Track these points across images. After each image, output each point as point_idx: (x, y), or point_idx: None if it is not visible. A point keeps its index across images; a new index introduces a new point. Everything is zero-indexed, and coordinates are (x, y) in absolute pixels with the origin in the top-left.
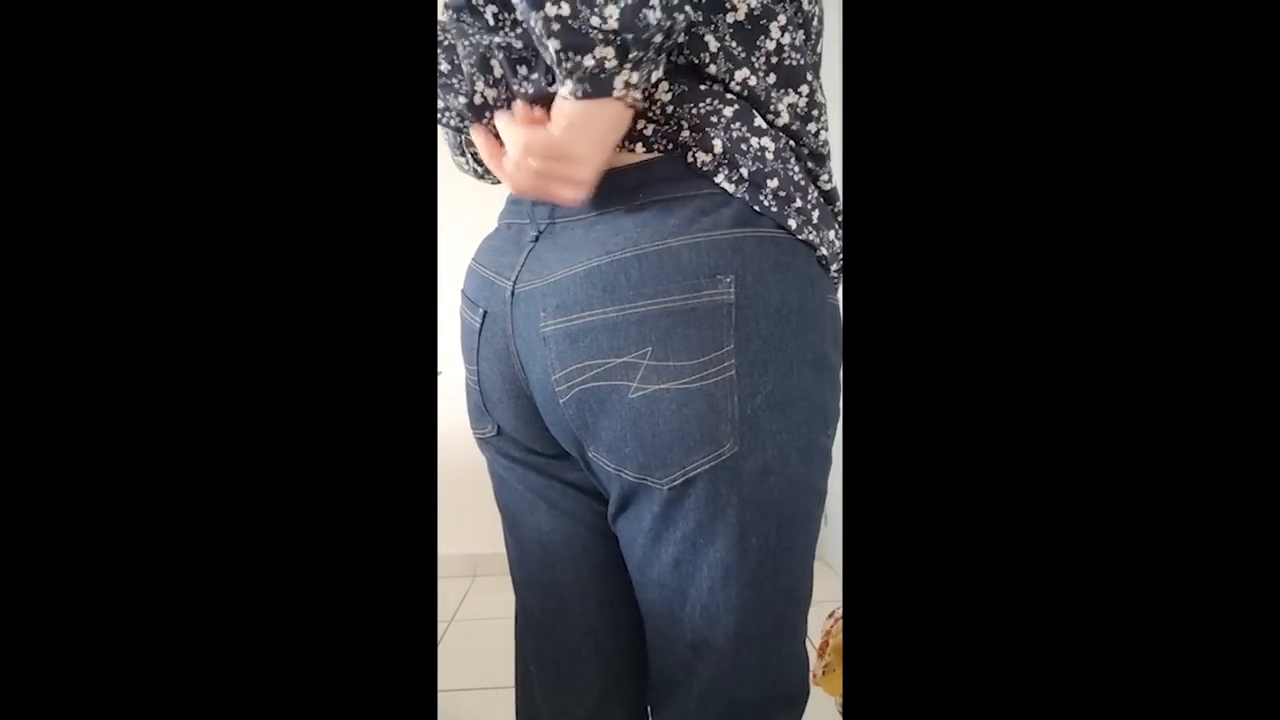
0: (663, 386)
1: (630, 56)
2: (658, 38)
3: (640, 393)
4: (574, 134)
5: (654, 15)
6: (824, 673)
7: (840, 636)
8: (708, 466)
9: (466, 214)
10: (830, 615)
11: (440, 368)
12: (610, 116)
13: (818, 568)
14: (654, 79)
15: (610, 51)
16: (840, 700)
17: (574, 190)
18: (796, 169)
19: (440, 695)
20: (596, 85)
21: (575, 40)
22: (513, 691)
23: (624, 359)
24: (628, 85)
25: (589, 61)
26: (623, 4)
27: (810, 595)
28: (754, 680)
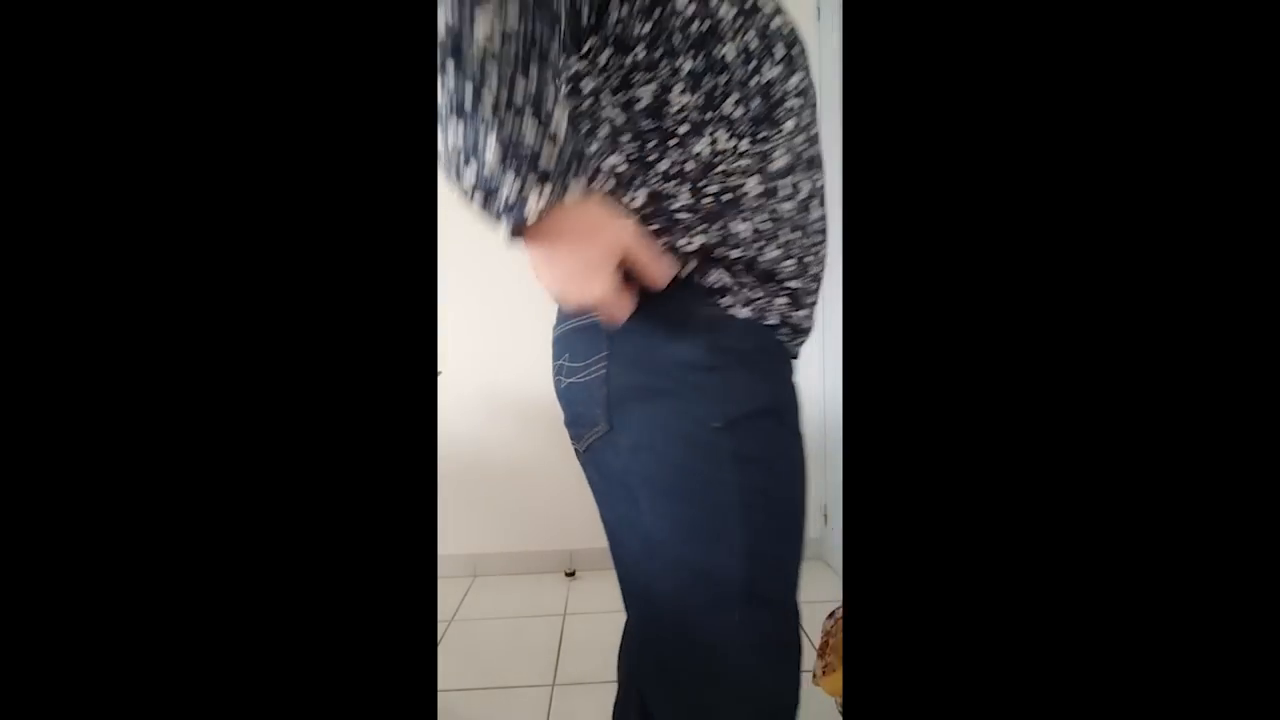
0: (572, 380)
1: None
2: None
3: (564, 384)
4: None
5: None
6: (824, 673)
7: (840, 636)
8: (597, 438)
9: (466, 214)
10: (830, 615)
11: (440, 368)
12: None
13: (818, 568)
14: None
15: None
16: (840, 700)
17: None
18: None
19: (440, 695)
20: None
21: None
22: (512, 692)
23: (560, 361)
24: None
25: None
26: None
27: (726, 541)
28: (665, 605)
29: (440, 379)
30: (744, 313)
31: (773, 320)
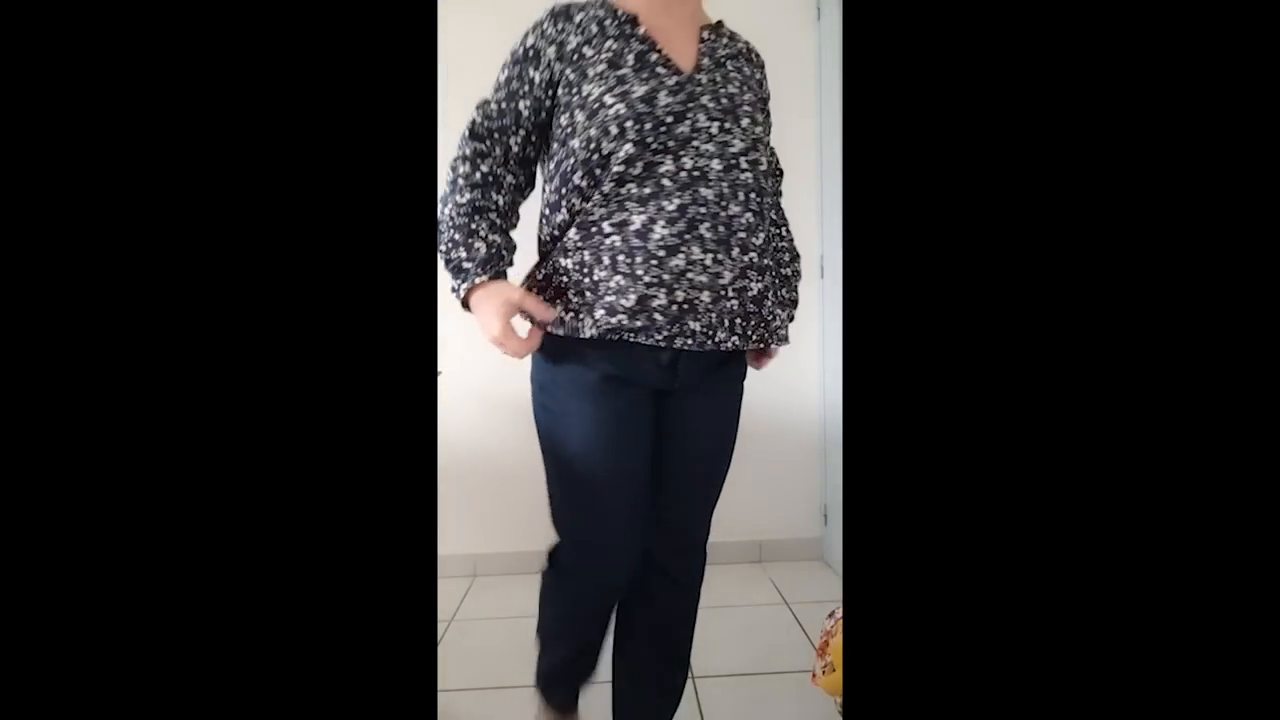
0: None
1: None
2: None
3: None
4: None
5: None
6: (824, 673)
7: (840, 636)
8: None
9: None
10: (830, 615)
11: (440, 368)
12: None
13: (818, 568)
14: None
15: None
16: (840, 700)
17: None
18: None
19: (440, 695)
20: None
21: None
22: (512, 692)
23: None
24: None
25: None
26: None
27: (581, 486)
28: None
29: (440, 379)
30: (559, 330)
31: (589, 333)
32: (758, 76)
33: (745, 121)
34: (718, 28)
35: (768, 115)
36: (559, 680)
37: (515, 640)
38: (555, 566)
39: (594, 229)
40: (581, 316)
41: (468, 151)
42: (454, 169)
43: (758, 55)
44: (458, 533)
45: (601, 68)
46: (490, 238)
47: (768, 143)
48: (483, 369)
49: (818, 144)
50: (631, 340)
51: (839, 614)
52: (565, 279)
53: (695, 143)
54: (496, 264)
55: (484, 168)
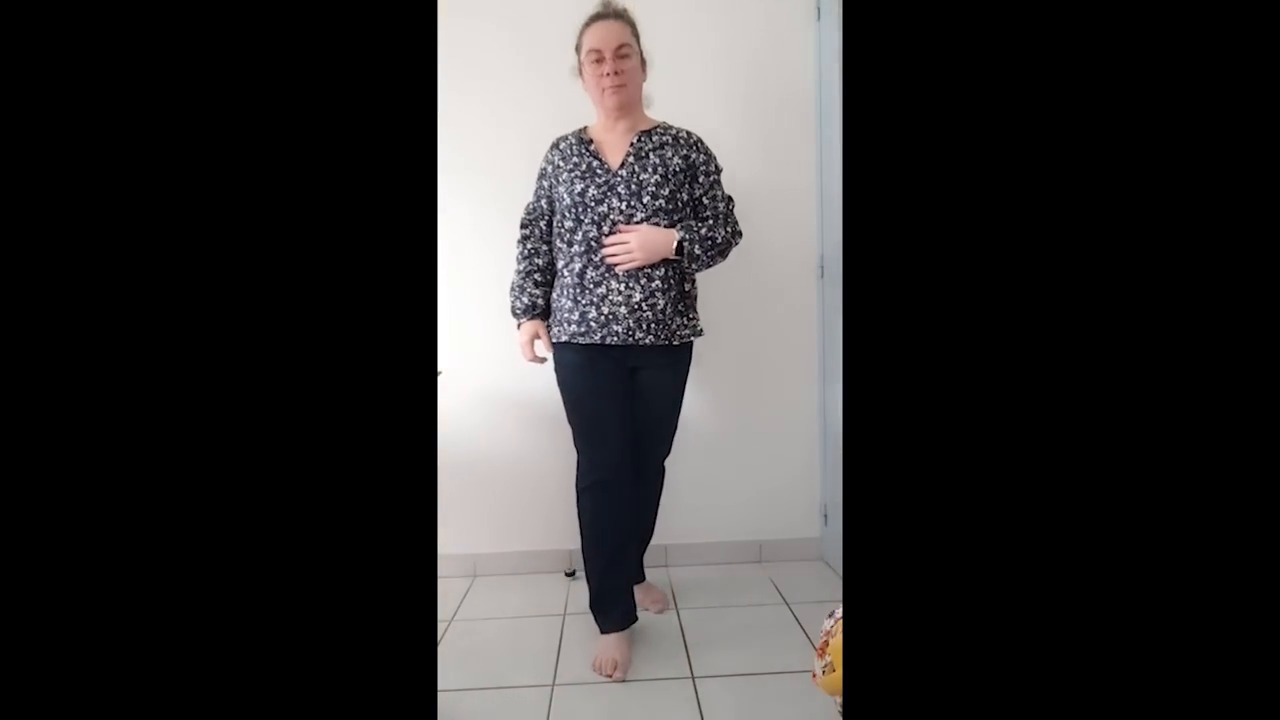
0: None
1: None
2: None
3: None
4: None
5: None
6: (824, 673)
7: (840, 636)
8: None
9: (467, 214)
10: (830, 615)
11: (440, 368)
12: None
13: (818, 568)
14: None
15: None
16: (840, 700)
17: None
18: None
19: (440, 695)
20: None
21: None
22: (512, 692)
23: None
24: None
25: None
26: None
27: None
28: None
29: (440, 379)
30: (556, 338)
31: (563, 339)
32: (683, 153)
33: (647, 198)
34: (650, 131)
35: (695, 180)
36: (605, 596)
37: (515, 640)
38: (580, 494)
39: (563, 274)
40: (562, 328)
41: (519, 236)
42: (517, 248)
43: (687, 137)
44: (458, 533)
45: (565, 175)
46: (534, 293)
47: (679, 205)
48: (483, 369)
49: (818, 144)
50: (581, 342)
51: (839, 614)
52: (556, 305)
53: (611, 217)
54: (532, 312)
55: (529, 245)
